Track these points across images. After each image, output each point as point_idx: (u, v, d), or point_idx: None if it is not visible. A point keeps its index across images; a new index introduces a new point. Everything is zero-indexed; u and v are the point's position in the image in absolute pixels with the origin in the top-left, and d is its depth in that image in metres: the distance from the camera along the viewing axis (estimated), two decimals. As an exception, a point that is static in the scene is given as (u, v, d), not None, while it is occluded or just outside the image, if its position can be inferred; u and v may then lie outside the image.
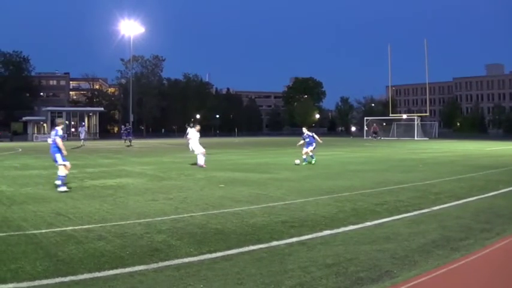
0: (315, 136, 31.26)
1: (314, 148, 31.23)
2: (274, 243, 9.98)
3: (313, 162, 30.41)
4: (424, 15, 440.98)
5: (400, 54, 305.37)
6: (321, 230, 11.14)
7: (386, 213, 13.26)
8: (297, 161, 29.70)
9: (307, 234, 10.77)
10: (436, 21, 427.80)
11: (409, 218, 12.79)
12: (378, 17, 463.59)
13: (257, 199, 15.88)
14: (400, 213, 13.27)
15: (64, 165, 18.46)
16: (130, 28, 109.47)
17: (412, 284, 7.44)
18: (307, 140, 31.03)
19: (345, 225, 11.62)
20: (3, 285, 7.41)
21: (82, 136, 65.48)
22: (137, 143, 75.46)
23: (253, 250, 9.49)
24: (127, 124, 68.54)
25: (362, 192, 17.28)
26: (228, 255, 9.15)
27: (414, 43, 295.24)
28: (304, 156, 30.51)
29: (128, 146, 60.06)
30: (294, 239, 10.30)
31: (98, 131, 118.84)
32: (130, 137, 60.86)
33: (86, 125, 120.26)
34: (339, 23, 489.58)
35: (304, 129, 32.31)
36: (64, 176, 18.41)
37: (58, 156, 18.52)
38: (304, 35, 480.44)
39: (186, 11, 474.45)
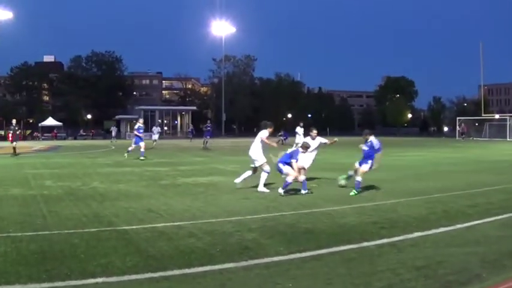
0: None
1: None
2: (365, 244, 9.87)
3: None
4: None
5: (493, 52, 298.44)
6: (412, 231, 10.97)
7: (478, 216, 12.94)
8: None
9: (398, 235, 10.63)
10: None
11: (500, 221, 12.49)
12: (468, 14, 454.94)
13: (348, 199, 15.72)
14: (491, 216, 12.96)
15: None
16: (222, 28, 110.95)
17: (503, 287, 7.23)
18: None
19: (436, 227, 11.40)
20: (92, 280, 7.51)
21: (154, 137, 60.20)
22: (229, 142, 76.17)
23: (343, 250, 9.40)
24: (208, 122, 67.38)
25: (453, 194, 16.94)
26: (317, 255, 9.08)
27: (507, 40, 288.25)
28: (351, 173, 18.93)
29: (204, 148, 53.41)
30: (384, 240, 10.17)
31: (190, 130, 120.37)
32: (208, 137, 55.94)
33: (179, 123, 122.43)
34: (429, 21, 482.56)
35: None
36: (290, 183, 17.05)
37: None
38: (396, 34, 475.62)
39: (277, 11, 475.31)
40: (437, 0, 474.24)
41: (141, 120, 38.55)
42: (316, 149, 20.67)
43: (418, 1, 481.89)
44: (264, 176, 18.09)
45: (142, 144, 35.14)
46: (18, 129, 41.11)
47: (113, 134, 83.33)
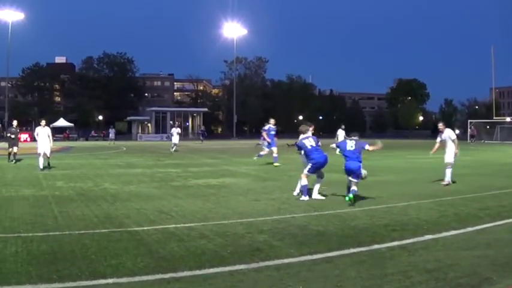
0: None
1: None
2: (375, 246, 9.86)
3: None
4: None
5: (505, 55, 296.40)
6: (423, 234, 10.96)
7: (489, 219, 12.90)
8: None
9: (409, 238, 10.61)
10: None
11: (511, 224, 12.46)
12: (480, 17, 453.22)
13: (359, 201, 15.61)
14: (503, 219, 12.89)
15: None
16: (233, 30, 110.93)
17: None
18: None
19: (447, 230, 11.38)
20: (103, 280, 7.53)
21: (174, 139, 51.57)
22: (241, 143, 76.11)
23: (354, 253, 9.39)
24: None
25: (465, 197, 16.86)
26: (328, 257, 9.06)
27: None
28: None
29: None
30: (395, 243, 10.15)
31: (202, 131, 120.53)
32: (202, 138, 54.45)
33: (190, 125, 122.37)
34: (441, 24, 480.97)
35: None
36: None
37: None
38: (408, 36, 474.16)
39: (289, 12, 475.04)
40: (449, 3, 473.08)
41: (272, 121, 32.57)
42: (452, 141, 21.44)
43: (430, 4, 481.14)
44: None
45: (274, 149, 30.57)
46: (20, 131, 35.25)
47: (111, 135, 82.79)
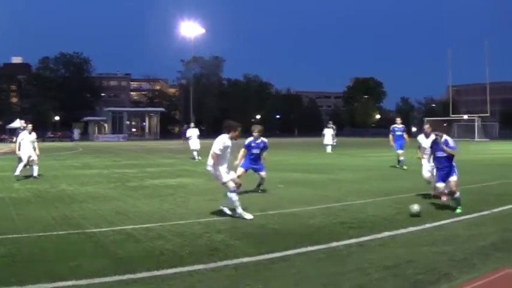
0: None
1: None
2: (333, 244, 9.89)
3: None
4: (485, 13, 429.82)
5: (461, 53, 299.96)
6: (380, 231, 11.01)
7: (446, 215, 13.03)
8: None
9: (366, 235, 10.65)
10: (498, 19, 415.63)
11: (468, 220, 12.58)
12: (437, 16, 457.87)
13: (316, 200, 15.71)
14: (460, 215, 13.05)
15: None
16: (190, 29, 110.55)
17: (470, 287, 7.31)
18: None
19: (404, 227, 11.47)
20: (62, 283, 7.51)
21: (193, 145, 40.83)
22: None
23: (312, 251, 9.43)
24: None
25: (422, 194, 16.90)
26: (286, 255, 9.11)
27: (476, 42, 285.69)
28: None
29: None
30: (353, 241, 10.19)
31: (158, 131, 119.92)
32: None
33: (147, 125, 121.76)
34: (398, 22, 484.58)
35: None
36: None
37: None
38: (365, 35, 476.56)
39: (246, 12, 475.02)
40: (405, 2, 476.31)
41: (398, 120, 30.16)
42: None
43: (387, 3, 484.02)
44: (232, 198, 12.93)
45: (400, 151, 28.38)
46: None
47: (75, 136, 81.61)
